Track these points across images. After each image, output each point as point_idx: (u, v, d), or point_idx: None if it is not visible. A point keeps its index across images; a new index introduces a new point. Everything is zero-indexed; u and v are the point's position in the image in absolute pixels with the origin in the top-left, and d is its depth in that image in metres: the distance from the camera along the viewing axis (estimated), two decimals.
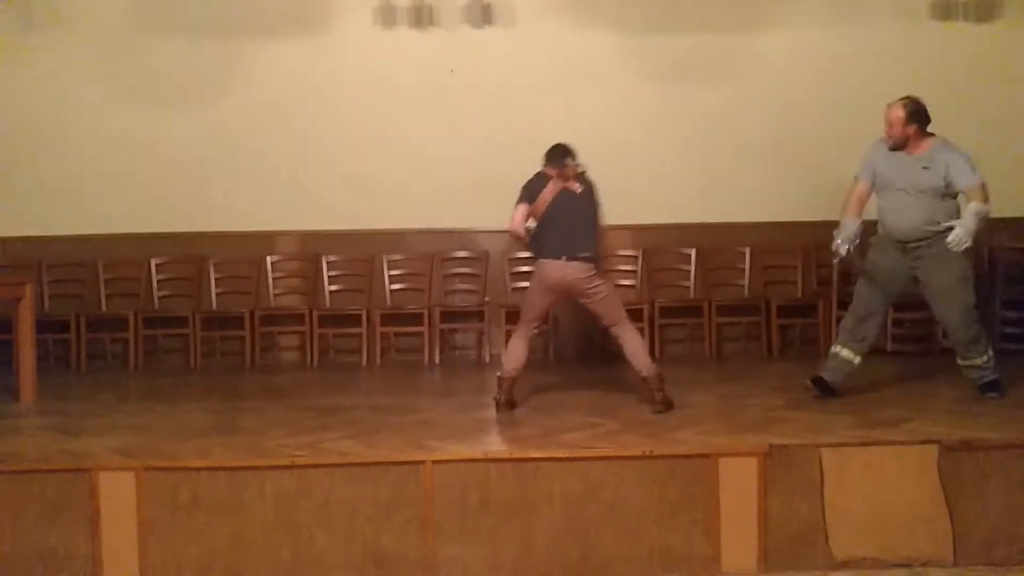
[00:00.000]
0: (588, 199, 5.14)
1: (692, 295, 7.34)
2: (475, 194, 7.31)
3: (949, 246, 4.94)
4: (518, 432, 4.78)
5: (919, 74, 7.37)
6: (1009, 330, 6.95)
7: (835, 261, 5.56)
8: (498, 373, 5.31)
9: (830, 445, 4.22)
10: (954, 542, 4.15)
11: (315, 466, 4.19)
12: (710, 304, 7.20)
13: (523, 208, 5.15)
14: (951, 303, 5.12)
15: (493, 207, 7.26)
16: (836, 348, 5.40)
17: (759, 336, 7.24)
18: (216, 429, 4.88)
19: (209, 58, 7.36)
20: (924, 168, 5.05)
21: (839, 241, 5.17)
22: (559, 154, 5.24)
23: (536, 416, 5.05)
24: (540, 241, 5.15)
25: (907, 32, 7.46)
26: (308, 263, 7.42)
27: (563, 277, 5.08)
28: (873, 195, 5.28)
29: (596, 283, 5.09)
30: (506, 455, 4.23)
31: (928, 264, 5.10)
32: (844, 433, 4.45)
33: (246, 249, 7.41)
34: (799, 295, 7.32)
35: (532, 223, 5.18)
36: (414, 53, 7.41)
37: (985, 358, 5.20)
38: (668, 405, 5.05)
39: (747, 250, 7.39)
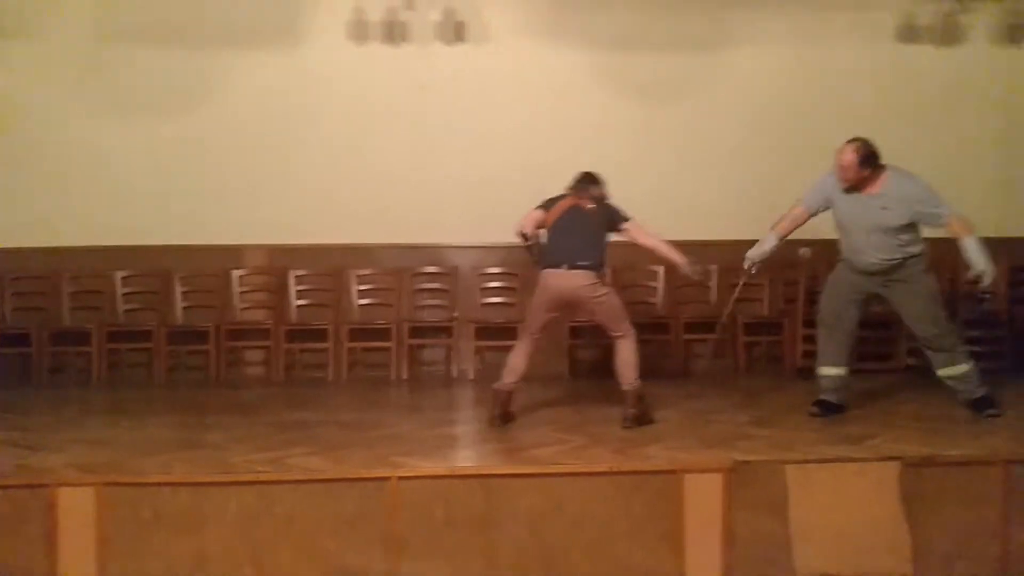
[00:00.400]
0: (597, 216, 5.20)
1: (660, 312, 7.37)
2: (445, 209, 7.33)
3: (983, 287, 5.02)
4: (485, 448, 4.78)
5: (884, 95, 7.54)
6: (971, 349, 7.02)
7: (741, 279, 5.64)
8: (494, 385, 5.32)
9: (794, 462, 4.26)
10: (914, 558, 4.19)
11: (279, 482, 4.16)
12: (678, 321, 7.23)
13: (537, 213, 5.30)
14: (924, 320, 5.21)
15: (463, 222, 7.35)
16: (822, 370, 5.43)
17: (725, 353, 7.28)
18: (179, 444, 4.82)
19: (179, 70, 7.31)
20: (883, 208, 5.08)
21: (750, 257, 5.28)
22: (583, 181, 5.36)
23: (503, 432, 5.05)
24: (545, 252, 5.24)
25: (872, 54, 7.57)
26: (275, 277, 7.38)
27: (565, 286, 5.12)
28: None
29: (599, 292, 5.12)
30: (472, 471, 4.22)
31: (896, 288, 5.18)
32: (808, 450, 4.48)
33: (212, 263, 7.35)
34: (765, 313, 7.38)
35: (543, 233, 5.28)
36: (386, 69, 7.39)
37: (967, 366, 5.25)
38: (637, 422, 5.07)
39: (715, 268, 7.44)
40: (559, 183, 7.15)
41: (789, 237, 5.44)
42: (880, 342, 7.13)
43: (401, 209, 7.34)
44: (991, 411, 5.22)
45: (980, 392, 5.29)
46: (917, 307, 5.19)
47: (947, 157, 7.37)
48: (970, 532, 4.26)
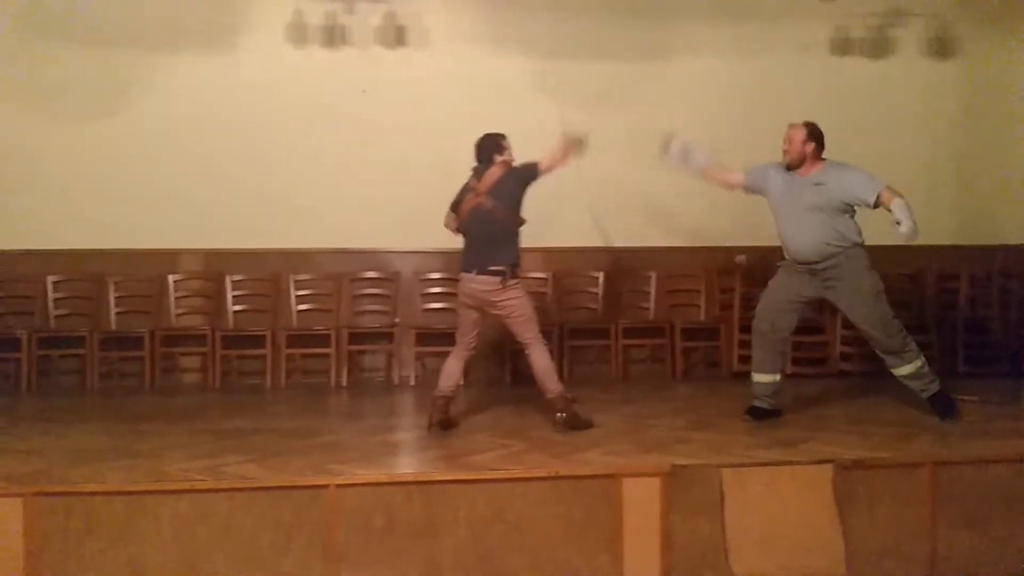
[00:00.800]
0: (502, 211, 5.12)
1: (600, 317, 7.44)
2: (386, 214, 7.30)
3: (903, 238, 5.01)
4: (425, 455, 4.77)
5: (818, 104, 7.68)
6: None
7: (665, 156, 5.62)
8: (433, 392, 5.30)
9: (730, 465, 4.32)
10: (847, 558, 4.28)
11: (215, 490, 4.09)
12: (617, 326, 7.30)
13: (450, 216, 5.34)
14: (871, 318, 5.27)
15: (404, 227, 7.32)
16: (756, 376, 5.50)
17: (664, 358, 7.37)
18: (112, 453, 4.71)
19: (110, 70, 7.18)
20: (817, 185, 5.19)
21: (675, 143, 5.44)
22: (479, 159, 5.30)
23: (443, 438, 5.04)
24: (462, 255, 5.25)
25: (807, 64, 7.74)
26: (212, 282, 7.27)
27: (473, 291, 5.13)
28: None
29: (504, 298, 5.09)
30: (411, 478, 4.21)
31: (839, 286, 5.24)
32: (743, 453, 4.56)
33: (147, 267, 7.23)
34: (702, 318, 7.49)
35: None
36: (326, 72, 7.36)
37: (919, 363, 5.33)
38: (568, 426, 5.09)
39: (653, 275, 7.53)
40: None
41: (710, 179, 5.67)
42: (814, 347, 7.28)
43: (341, 213, 7.31)
44: (950, 419, 5.30)
45: (935, 388, 5.37)
46: (862, 307, 5.25)
47: (875, 167, 7.54)
48: (900, 532, 4.36)
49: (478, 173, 5.28)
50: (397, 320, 7.25)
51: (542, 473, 4.22)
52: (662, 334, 7.34)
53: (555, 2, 7.54)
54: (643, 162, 7.52)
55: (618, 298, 7.49)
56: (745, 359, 7.19)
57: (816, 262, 5.22)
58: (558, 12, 7.53)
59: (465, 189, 5.30)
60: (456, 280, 7.12)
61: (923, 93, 7.87)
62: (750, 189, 5.51)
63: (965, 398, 5.98)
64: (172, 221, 7.22)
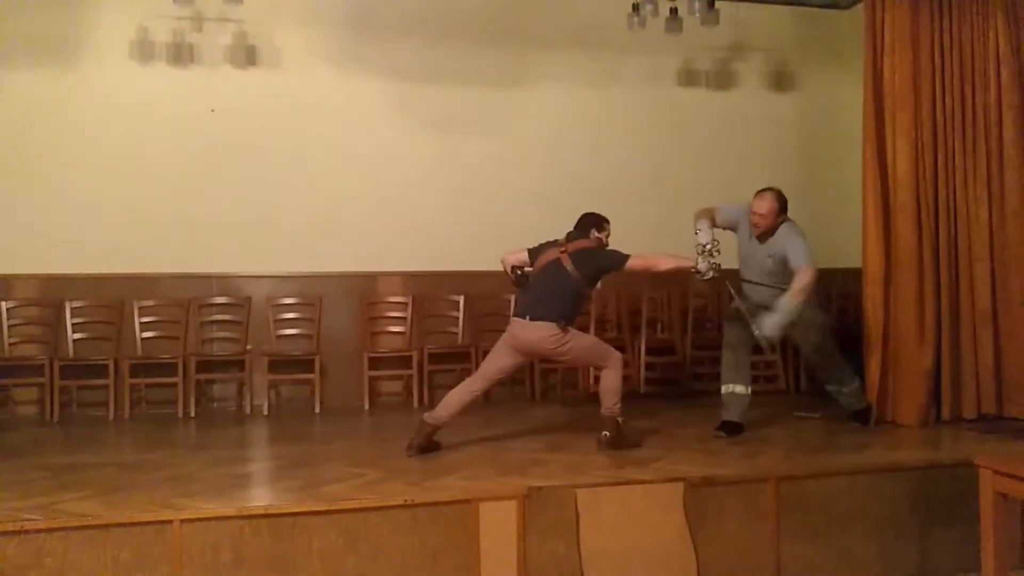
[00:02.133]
0: (576, 277, 5.13)
1: (460, 341, 7.42)
2: (236, 237, 7.12)
3: (757, 337, 5.29)
4: (276, 486, 4.61)
5: (666, 132, 8.00)
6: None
7: (703, 276, 5.22)
8: (424, 416, 5.21)
9: (585, 485, 4.37)
10: (699, 574, 4.38)
11: (48, 530, 3.84)
12: (477, 350, 7.29)
13: (522, 254, 5.39)
14: (821, 358, 5.84)
15: (255, 251, 7.14)
16: (728, 388, 5.68)
17: (523, 380, 7.40)
18: None
19: None
20: (769, 256, 5.45)
21: (701, 242, 5.21)
22: (580, 227, 5.33)
23: (296, 469, 4.89)
24: (518, 300, 5.34)
25: (656, 94, 8.02)
26: (49, 309, 6.87)
27: (525, 337, 5.16)
28: None
29: (560, 343, 5.13)
30: (260, 511, 4.05)
31: (791, 325, 5.40)
32: (598, 473, 4.61)
33: None
34: None
35: (528, 270, 5.36)
36: (172, 90, 7.13)
37: (853, 386, 5.89)
38: (612, 445, 5.19)
39: (512, 297, 7.56)
40: (350, 209, 7.14)
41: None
42: (665, 367, 7.48)
43: (188, 236, 7.06)
44: (856, 424, 5.89)
45: (859, 405, 5.93)
46: (805, 335, 5.67)
47: (720, 194, 7.82)
48: (749, 547, 4.51)
49: (571, 238, 5.30)
50: (249, 347, 7.02)
51: (397, 501, 4.15)
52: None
53: (413, 26, 7.54)
54: (502, 186, 7.64)
55: (478, 321, 7.49)
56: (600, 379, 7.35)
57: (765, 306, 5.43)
58: (416, 36, 7.54)
59: (550, 244, 5.32)
60: (311, 305, 7.15)
61: (764, 124, 8.26)
62: (722, 225, 5.58)
63: (805, 415, 6.29)
64: (5, 244, 6.80)
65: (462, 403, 5.22)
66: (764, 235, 5.48)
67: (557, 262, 5.19)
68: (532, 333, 5.13)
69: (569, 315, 5.19)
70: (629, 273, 5.22)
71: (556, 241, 5.33)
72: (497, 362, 5.29)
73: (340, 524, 4.07)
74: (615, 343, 7.35)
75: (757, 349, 5.67)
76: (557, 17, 7.83)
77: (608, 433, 5.25)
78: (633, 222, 7.79)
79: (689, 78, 8.15)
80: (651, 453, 5.10)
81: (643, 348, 7.44)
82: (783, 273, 5.37)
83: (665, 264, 5.21)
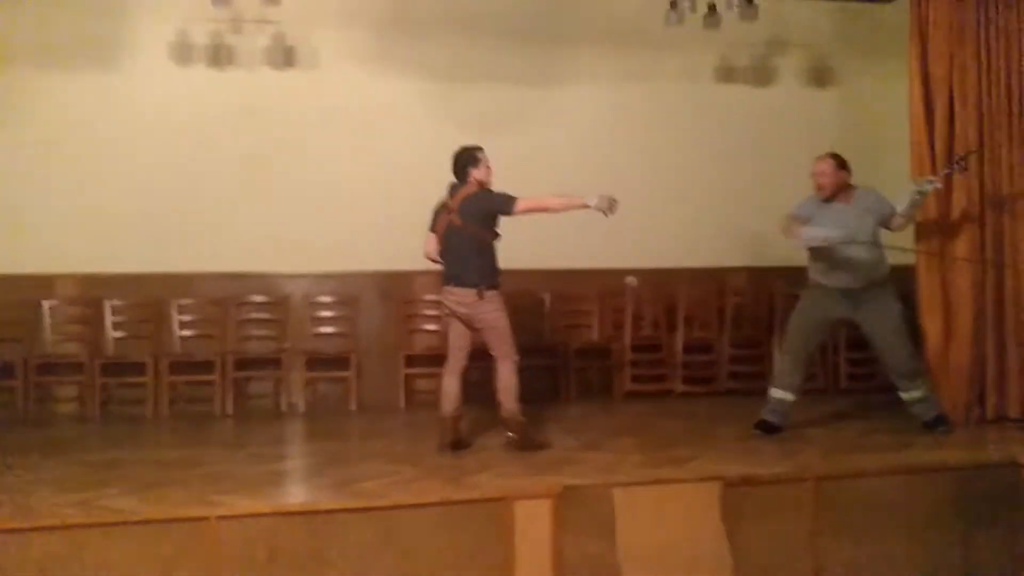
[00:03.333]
0: (470, 228, 5.14)
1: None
2: (274, 236, 7.14)
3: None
4: (312, 483, 4.64)
5: (702, 129, 7.91)
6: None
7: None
8: (439, 414, 5.28)
9: (621, 484, 4.33)
10: (736, 574, 4.33)
11: (87, 525, 3.88)
12: None
13: (430, 238, 5.37)
14: (896, 343, 5.47)
15: (293, 250, 7.17)
16: (778, 393, 5.60)
17: (556, 379, 7.36)
18: None
19: None
20: (859, 217, 5.36)
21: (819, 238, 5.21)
22: (455, 175, 5.29)
23: (332, 466, 4.91)
24: (443, 271, 5.31)
25: (692, 91, 7.94)
26: (89, 308, 6.95)
27: (453, 303, 5.21)
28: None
29: (480, 311, 5.14)
30: (296, 508, 4.07)
31: (869, 310, 5.42)
32: (634, 472, 4.58)
33: (20, 293, 6.84)
34: (595, 339, 7.52)
35: None
36: (211, 93, 7.16)
37: (925, 390, 5.58)
38: (520, 447, 5.12)
39: (547, 296, 7.55)
40: (387, 208, 7.12)
41: None
42: (702, 366, 7.41)
43: (226, 235, 7.10)
44: (943, 427, 5.56)
45: (936, 411, 5.62)
46: (893, 329, 5.46)
47: (758, 193, 7.79)
48: (786, 546, 4.45)
49: (453, 190, 5.28)
50: (286, 345, 7.07)
51: (432, 499, 4.14)
52: (555, 354, 7.35)
53: (449, 25, 7.51)
54: (532, 184, 7.58)
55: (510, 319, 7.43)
56: (637, 378, 7.32)
57: (856, 288, 5.37)
58: (452, 35, 7.51)
59: (439, 208, 5.31)
60: (348, 303, 7.17)
61: (802, 121, 8.10)
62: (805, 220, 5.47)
63: None
64: (47, 244, 6.88)
65: (456, 387, 5.26)
66: (837, 195, 5.41)
67: (449, 224, 5.20)
68: (456, 297, 5.19)
69: (486, 272, 5.18)
70: (522, 214, 5.13)
71: (444, 204, 5.31)
72: (453, 337, 5.30)
73: (375, 521, 4.07)
74: (650, 341, 7.46)
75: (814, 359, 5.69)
76: (592, 14, 7.76)
77: (513, 435, 5.20)
78: (668, 221, 7.82)
79: (726, 75, 8.05)
80: (688, 452, 5.05)
81: (680, 346, 7.38)
82: (875, 239, 5.37)
83: (555, 204, 5.20)
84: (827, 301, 5.51)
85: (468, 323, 5.25)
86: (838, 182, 5.43)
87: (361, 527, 4.05)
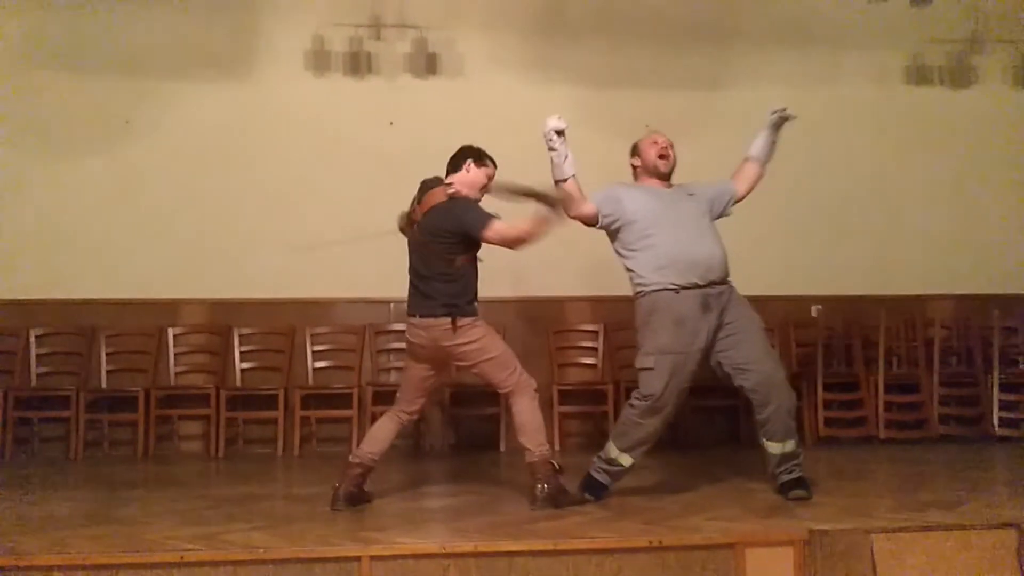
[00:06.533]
0: (429, 247, 4.02)
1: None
2: None
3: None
4: (475, 521, 3.75)
5: (892, 135, 6.98)
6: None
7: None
8: (349, 457, 4.19)
9: (883, 530, 3.32)
10: None
11: (212, 563, 3.12)
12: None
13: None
14: (769, 356, 4.09)
15: None
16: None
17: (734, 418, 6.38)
18: (83, 519, 3.77)
19: (111, 101, 6.47)
20: (690, 195, 4.29)
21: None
22: (459, 157, 4.29)
23: (496, 504, 4.06)
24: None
25: (879, 94, 7.05)
26: (217, 336, 6.37)
27: (423, 340, 4.02)
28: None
29: (458, 342, 3.96)
30: (470, 548, 3.21)
31: (736, 314, 4.07)
32: (890, 516, 3.56)
33: (144, 319, 6.35)
34: None
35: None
36: (349, 103, 6.63)
37: (797, 440, 4.08)
38: (551, 502, 3.88)
39: (600, 327, 6.59)
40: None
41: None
42: (908, 407, 6.32)
43: (364, 259, 6.36)
44: (802, 492, 3.96)
45: (800, 471, 4.07)
46: (762, 337, 4.10)
47: (958, 202, 7.00)
48: None
49: (423, 192, 4.17)
50: None
51: (641, 543, 3.23)
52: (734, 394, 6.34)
53: (603, 28, 6.85)
54: None
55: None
56: (831, 421, 6.28)
57: (716, 282, 4.06)
58: (607, 38, 6.84)
59: (403, 216, 4.20)
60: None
61: (1005, 124, 7.14)
62: (600, 219, 4.35)
63: None
64: (173, 267, 6.40)
65: (390, 435, 4.15)
66: (671, 172, 4.41)
67: (414, 243, 4.08)
68: (422, 332, 4.00)
69: (455, 298, 3.96)
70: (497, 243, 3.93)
71: (410, 211, 4.15)
72: (411, 379, 4.15)
73: (565, 566, 3.18)
74: (845, 379, 6.40)
75: None
76: (763, 10, 6.98)
77: (545, 485, 3.90)
78: (853, 234, 6.87)
79: (919, 75, 7.09)
80: (951, 495, 3.99)
81: (881, 385, 6.29)
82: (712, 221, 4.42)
83: (535, 229, 3.89)
84: (691, 322, 4.00)
85: (441, 362, 4.11)
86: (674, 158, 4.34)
87: (547, 573, 3.17)
